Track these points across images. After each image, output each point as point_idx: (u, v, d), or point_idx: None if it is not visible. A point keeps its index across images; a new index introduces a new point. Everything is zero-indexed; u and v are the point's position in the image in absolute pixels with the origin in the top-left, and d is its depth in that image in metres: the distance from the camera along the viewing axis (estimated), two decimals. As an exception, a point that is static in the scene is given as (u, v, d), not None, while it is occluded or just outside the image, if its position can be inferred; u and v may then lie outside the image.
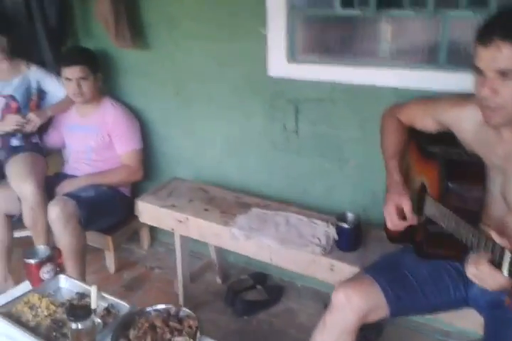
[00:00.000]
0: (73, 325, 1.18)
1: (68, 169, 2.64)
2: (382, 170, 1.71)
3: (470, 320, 1.51)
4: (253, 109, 2.29)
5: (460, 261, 1.41)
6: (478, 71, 1.20)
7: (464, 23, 1.74)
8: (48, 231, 2.31)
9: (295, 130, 2.20)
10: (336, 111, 2.07)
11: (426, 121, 1.53)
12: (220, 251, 2.45)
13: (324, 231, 1.90)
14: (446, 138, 1.47)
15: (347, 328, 1.39)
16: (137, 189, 2.72)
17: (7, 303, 1.46)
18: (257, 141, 2.34)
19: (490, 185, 1.34)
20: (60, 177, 2.59)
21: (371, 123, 1.97)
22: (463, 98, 1.41)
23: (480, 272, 1.12)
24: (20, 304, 1.45)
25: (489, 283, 1.13)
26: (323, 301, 2.27)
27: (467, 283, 1.44)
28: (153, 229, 2.76)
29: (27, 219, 2.32)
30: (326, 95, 2.06)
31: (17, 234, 2.49)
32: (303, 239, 1.87)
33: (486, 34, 1.15)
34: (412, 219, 1.44)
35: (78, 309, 1.25)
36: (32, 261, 1.53)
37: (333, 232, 1.86)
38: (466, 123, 1.39)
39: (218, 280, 2.52)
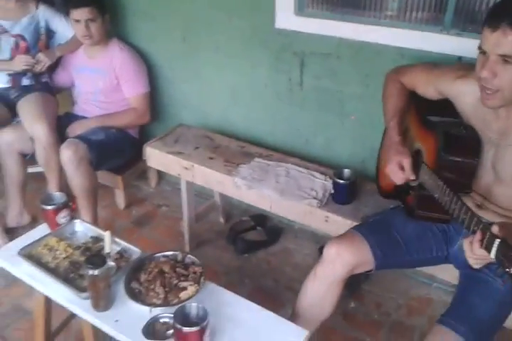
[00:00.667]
0: (90, 272, 1.32)
1: (78, 110, 2.71)
2: (381, 127, 1.79)
3: (449, 273, 1.65)
4: (259, 60, 2.31)
5: (447, 223, 1.52)
6: (482, 51, 1.23)
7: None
8: (60, 169, 2.44)
9: (299, 83, 2.25)
10: (341, 66, 2.09)
11: (428, 89, 1.57)
12: (223, 194, 2.56)
13: (322, 184, 2.02)
14: (446, 107, 1.51)
15: (336, 279, 1.55)
16: (145, 131, 2.81)
17: (28, 245, 1.58)
18: (262, 92, 2.39)
19: (482, 157, 1.42)
20: (70, 117, 2.68)
21: (374, 80, 2.02)
22: (466, 70, 1.44)
23: (475, 255, 1.18)
24: (40, 246, 1.58)
25: (482, 263, 1.23)
26: (317, 243, 2.44)
27: (450, 242, 1.57)
28: (160, 169, 2.88)
29: (40, 159, 2.44)
30: (331, 50, 2.08)
31: (31, 170, 2.61)
32: (301, 191, 1.99)
33: (495, 18, 1.17)
34: (411, 175, 1.49)
35: (95, 257, 1.39)
36: (49, 207, 1.64)
37: (329, 186, 1.98)
38: (466, 97, 1.43)
39: (221, 220, 2.68)
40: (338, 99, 2.17)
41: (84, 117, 2.63)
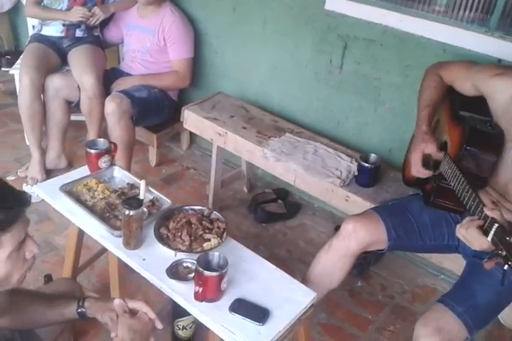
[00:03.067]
0: (126, 212, 1.45)
1: (124, 66, 2.83)
2: (414, 119, 1.86)
3: (457, 263, 1.75)
4: (304, 39, 2.39)
5: (459, 214, 1.61)
6: None
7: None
8: (101, 120, 2.58)
9: (340, 65, 2.32)
10: (383, 54, 2.16)
11: (465, 85, 1.63)
12: (251, 164, 2.63)
13: (347, 165, 2.11)
14: (479, 104, 1.58)
15: (348, 253, 1.67)
16: (184, 95, 2.92)
17: (69, 183, 1.71)
18: (301, 70, 2.47)
19: (504, 154, 1.49)
20: (116, 73, 2.80)
21: (414, 71, 2.09)
22: (504, 69, 1.51)
23: (468, 234, 1.30)
24: (80, 185, 1.71)
25: (473, 244, 1.31)
26: (334, 222, 2.55)
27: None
28: (193, 133, 2.95)
29: (84, 108, 2.57)
30: (376, 37, 2.15)
31: (73, 118, 2.76)
32: (326, 170, 2.09)
33: None
34: (427, 173, 1.60)
35: (132, 199, 1.52)
36: (93, 151, 1.77)
37: (354, 168, 2.07)
38: (500, 94, 1.49)
39: (245, 190, 2.78)
40: (376, 86, 2.25)
41: (129, 74, 2.75)
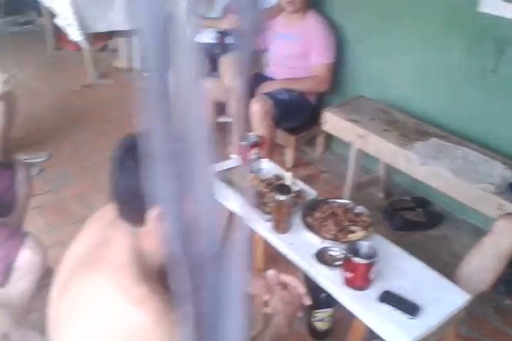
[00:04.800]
0: (277, 197, 1.50)
1: (268, 71, 2.95)
2: None
3: None
4: (453, 42, 2.30)
5: None
6: None
7: None
8: (247, 121, 2.69)
9: (493, 69, 2.19)
10: (547, 56, 2.02)
11: None
12: (388, 170, 2.60)
13: (501, 172, 1.97)
14: None
15: (499, 252, 1.59)
16: (322, 99, 2.95)
17: (222, 171, 1.80)
18: (449, 75, 2.37)
19: None
20: (260, 77, 2.92)
21: None
22: None
23: None
24: (232, 174, 1.80)
25: None
26: (480, 236, 2.37)
27: None
28: (328, 138, 3.00)
29: (231, 109, 2.72)
30: (538, 37, 2.01)
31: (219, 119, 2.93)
32: (477, 175, 1.97)
33: None
34: None
35: (283, 186, 1.57)
36: (244, 143, 1.87)
37: (509, 175, 1.93)
38: None
39: (380, 195, 2.71)
40: (537, 91, 2.09)
41: (272, 78, 2.86)
